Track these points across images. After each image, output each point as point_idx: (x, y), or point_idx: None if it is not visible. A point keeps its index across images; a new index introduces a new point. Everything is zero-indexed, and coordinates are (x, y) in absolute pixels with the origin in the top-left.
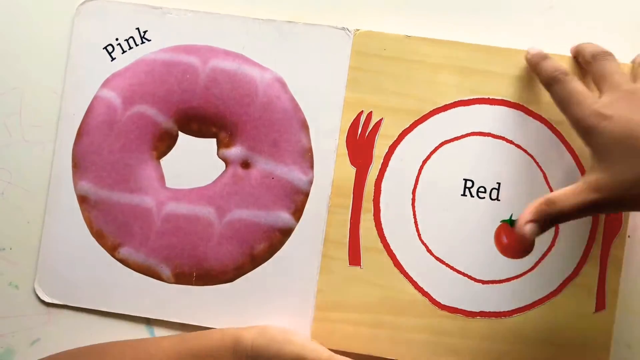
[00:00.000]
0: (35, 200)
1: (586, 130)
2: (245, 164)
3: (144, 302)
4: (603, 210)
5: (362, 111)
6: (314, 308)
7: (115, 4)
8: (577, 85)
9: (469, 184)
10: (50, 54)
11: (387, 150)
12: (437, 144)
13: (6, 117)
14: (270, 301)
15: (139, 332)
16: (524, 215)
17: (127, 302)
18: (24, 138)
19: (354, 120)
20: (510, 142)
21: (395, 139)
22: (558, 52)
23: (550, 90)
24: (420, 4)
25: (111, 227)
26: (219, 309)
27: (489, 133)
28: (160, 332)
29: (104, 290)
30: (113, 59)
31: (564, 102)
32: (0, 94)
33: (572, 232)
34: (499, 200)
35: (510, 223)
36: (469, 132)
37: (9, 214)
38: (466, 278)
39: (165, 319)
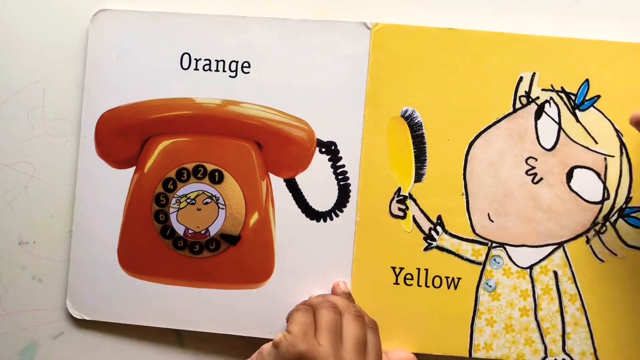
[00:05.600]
0: (58, 194)
1: None
2: None
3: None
4: None
5: None
6: None
7: (125, 12)
8: None
9: None
10: (71, 48)
11: None
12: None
13: (29, 111)
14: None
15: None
16: None
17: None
18: (47, 132)
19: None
20: None
21: None
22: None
23: None
24: None
25: None
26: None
27: None
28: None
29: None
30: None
31: None
32: (22, 87)
33: None
34: None
35: None
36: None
37: (33, 208)
38: None
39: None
